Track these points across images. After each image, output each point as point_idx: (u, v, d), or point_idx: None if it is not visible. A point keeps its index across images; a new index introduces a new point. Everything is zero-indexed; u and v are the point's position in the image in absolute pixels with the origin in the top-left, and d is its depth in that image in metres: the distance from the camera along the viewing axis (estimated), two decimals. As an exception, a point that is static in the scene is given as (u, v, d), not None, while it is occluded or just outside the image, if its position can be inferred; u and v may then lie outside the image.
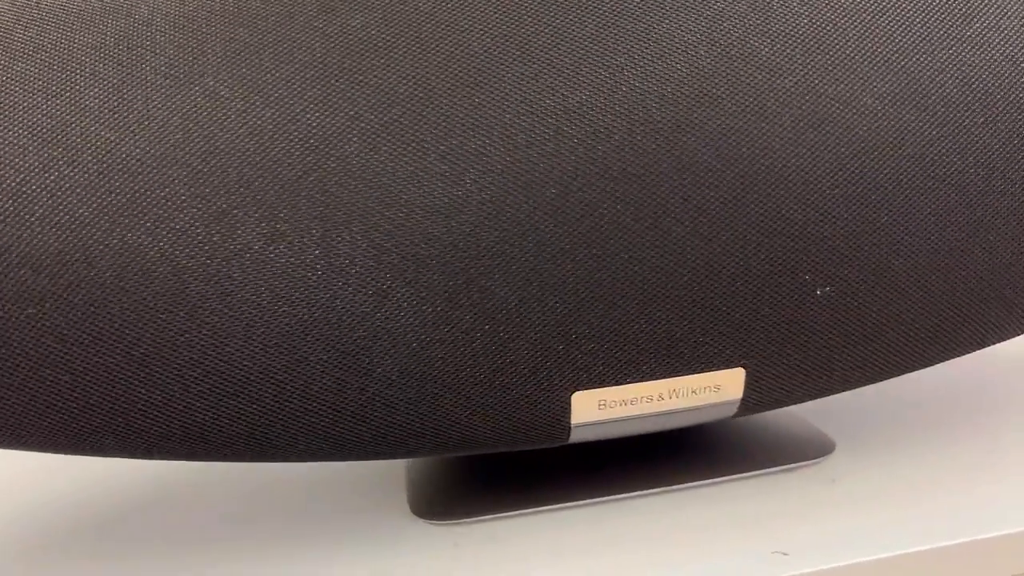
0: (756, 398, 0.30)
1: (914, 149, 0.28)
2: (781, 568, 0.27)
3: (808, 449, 0.35)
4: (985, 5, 0.28)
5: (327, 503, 0.34)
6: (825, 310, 0.28)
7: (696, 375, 0.29)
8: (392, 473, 0.36)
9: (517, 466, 0.35)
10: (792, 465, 0.34)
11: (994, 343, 0.31)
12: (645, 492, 0.32)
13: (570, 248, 0.26)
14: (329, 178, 0.25)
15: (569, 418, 0.28)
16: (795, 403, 0.31)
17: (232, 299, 0.25)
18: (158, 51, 0.25)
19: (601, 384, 0.28)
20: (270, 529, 0.32)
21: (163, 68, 0.25)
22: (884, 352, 0.29)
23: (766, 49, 0.27)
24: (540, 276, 0.26)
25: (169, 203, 0.24)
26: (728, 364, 0.29)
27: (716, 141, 0.26)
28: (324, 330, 0.25)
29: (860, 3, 0.28)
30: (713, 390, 0.29)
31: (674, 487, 0.33)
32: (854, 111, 0.27)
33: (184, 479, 0.37)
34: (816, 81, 0.27)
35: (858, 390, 0.33)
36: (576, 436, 0.29)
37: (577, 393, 0.28)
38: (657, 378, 0.28)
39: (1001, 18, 0.28)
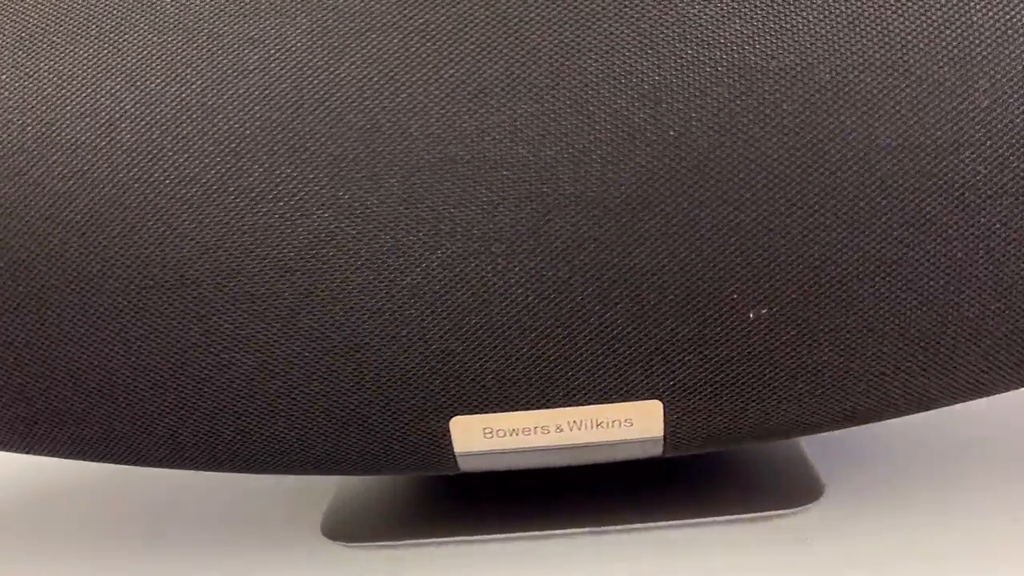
0: (684, 437, 0.25)
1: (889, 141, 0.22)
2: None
3: (790, 494, 0.29)
4: None
5: (237, 518, 0.32)
6: (761, 336, 0.23)
7: (599, 406, 0.24)
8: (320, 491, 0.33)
9: (466, 490, 0.31)
10: (763, 514, 0.28)
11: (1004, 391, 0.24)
12: (591, 529, 0.28)
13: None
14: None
15: (451, 446, 0.25)
16: (740, 445, 0.25)
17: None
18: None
19: (483, 410, 0.24)
20: (173, 546, 0.30)
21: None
22: (843, 390, 0.24)
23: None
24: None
25: None
26: (639, 395, 0.24)
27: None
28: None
29: None
30: (624, 424, 0.24)
31: (627, 526, 0.28)
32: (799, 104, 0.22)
33: (71, 487, 0.36)
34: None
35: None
36: (469, 465, 0.26)
37: (456, 418, 0.24)
38: (551, 407, 0.24)
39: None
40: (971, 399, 0.24)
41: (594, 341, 0.23)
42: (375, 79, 0.22)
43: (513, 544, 0.28)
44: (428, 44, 0.22)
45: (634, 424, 0.24)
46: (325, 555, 0.28)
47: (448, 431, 0.24)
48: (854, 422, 0.24)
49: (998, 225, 0.22)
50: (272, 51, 0.22)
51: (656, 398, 0.24)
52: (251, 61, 0.22)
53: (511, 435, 0.24)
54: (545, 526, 0.28)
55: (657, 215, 0.22)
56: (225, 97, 0.22)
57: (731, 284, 0.22)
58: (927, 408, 0.24)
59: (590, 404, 0.24)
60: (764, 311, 0.23)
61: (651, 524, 0.28)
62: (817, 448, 0.32)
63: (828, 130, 0.22)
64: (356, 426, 0.24)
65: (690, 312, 0.23)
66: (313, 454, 0.25)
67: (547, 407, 0.24)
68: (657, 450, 0.25)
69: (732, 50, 0.22)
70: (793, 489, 0.29)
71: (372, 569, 0.27)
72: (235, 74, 0.22)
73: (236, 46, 0.22)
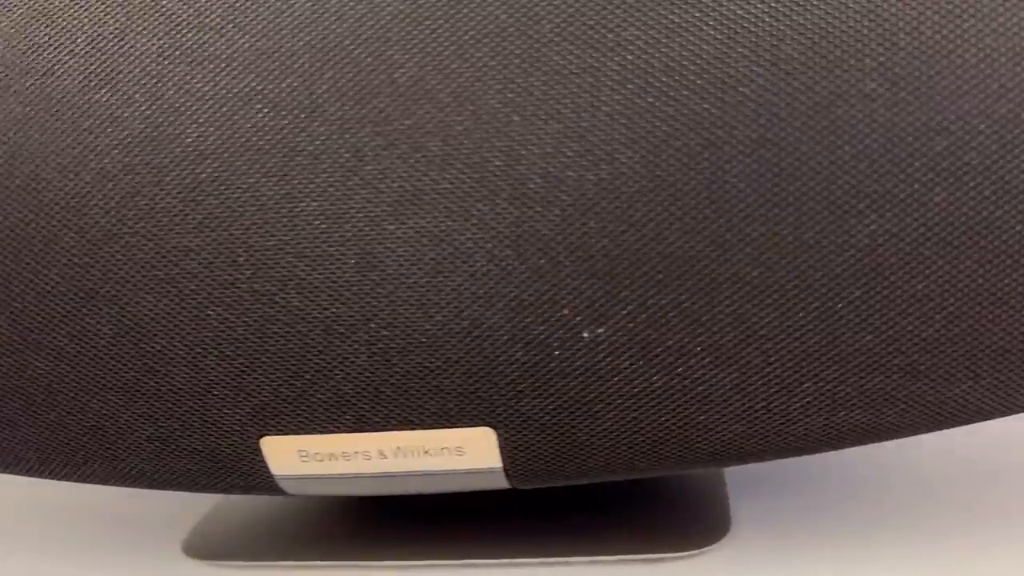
0: (527, 469, 0.21)
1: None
2: None
3: (693, 532, 0.25)
4: None
5: (91, 532, 0.30)
6: (593, 358, 0.19)
7: (423, 431, 0.21)
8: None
9: (353, 513, 0.29)
10: (657, 556, 0.25)
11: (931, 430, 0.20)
12: (468, 562, 0.25)
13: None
14: None
15: (267, 467, 0.22)
16: (596, 479, 0.22)
17: None
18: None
19: (294, 431, 0.21)
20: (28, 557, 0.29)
21: None
22: (702, 426, 0.20)
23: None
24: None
25: None
26: (468, 422, 0.21)
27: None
28: None
29: None
30: (455, 453, 0.21)
31: (505, 560, 0.25)
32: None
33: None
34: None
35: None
36: (294, 489, 0.23)
37: (266, 439, 0.21)
38: (368, 430, 0.21)
39: None
40: (828, 445, 0.20)
41: (413, 359, 0.20)
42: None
43: (381, 572, 0.25)
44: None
45: (466, 453, 0.21)
46: (179, 572, 0.26)
47: (260, 451, 0.22)
48: (720, 461, 0.21)
49: (865, 240, 0.18)
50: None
51: (487, 425, 0.21)
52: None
53: (329, 459, 0.22)
54: (422, 556, 0.25)
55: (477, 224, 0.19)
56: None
57: (563, 299, 0.19)
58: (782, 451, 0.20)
59: (412, 430, 0.21)
60: (601, 330, 0.19)
61: (535, 560, 0.25)
62: (734, 476, 0.28)
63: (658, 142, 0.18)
64: (161, 441, 0.22)
65: (517, 330, 0.19)
66: (122, 469, 0.23)
67: (364, 430, 0.21)
68: (502, 482, 0.22)
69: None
70: (697, 527, 0.26)
71: None
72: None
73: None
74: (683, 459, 0.20)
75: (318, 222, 0.19)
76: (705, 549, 0.25)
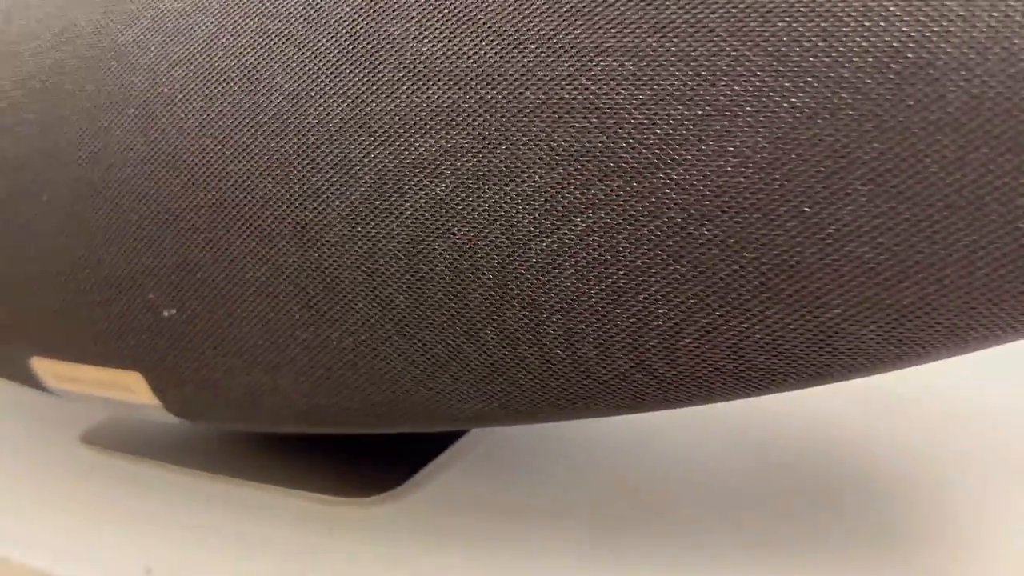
0: (183, 410, 0.28)
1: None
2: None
3: (365, 482, 0.31)
4: None
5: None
6: (170, 335, 0.26)
7: (103, 369, 0.29)
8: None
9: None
10: (326, 497, 0.30)
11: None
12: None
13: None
14: None
15: (43, 381, 0.31)
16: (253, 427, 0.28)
17: None
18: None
19: (44, 355, 0.30)
20: None
21: None
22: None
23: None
24: None
25: None
26: (121, 364, 0.28)
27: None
28: None
29: None
30: (125, 390, 0.29)
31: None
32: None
33: None
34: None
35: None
36: (75, 400, 0.32)
37: (35, 358, 0.31)
38: (79, 363, 0.29)
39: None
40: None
41: (85, 307, 0.28)
42: None
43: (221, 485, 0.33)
44: None
45: (132, 391, 0.29)
46: (73, 457, 0.36)
47: (31, 368, 0.31)
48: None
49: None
50: None
51: (135, 370, 0.28)
52: None
53: (69, 382, 0.30)
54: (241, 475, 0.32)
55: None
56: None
57: (150, 285, 0.26)
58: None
59: (96, 366, 0.29)
60: (173, 312, 0.26)
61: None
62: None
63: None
64: None
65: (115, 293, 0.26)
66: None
67: (79, 363, 0.29)
68: (170, 418, 0.29)
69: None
70: (372, 478, 0.31)
71: (114, 474, 0.34)
72: None
73: None
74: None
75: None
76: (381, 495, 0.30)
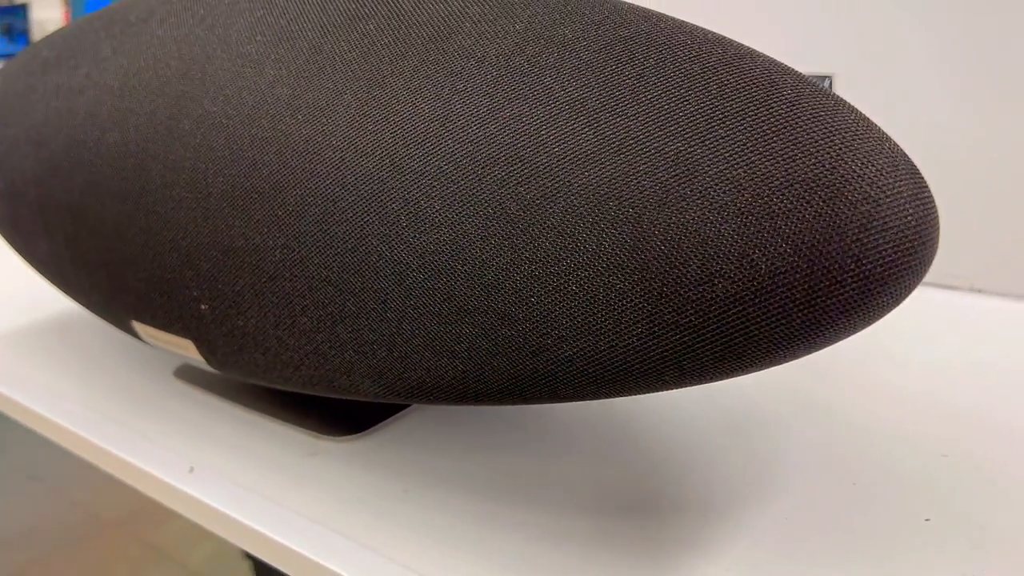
0: (221, 367, 0.42)
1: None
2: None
3: (341, 424, 0.44)
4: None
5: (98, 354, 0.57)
6: (212, 325, 0.40)
7: (167, 333, 0.43)
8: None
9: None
10: (315, 434, 0.44)
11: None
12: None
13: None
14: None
15: (141, 336, 0.46)
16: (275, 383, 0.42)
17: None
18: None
19: (138, 320, 0.45)
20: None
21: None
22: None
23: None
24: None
25: None
26: (180, 334, 0.42)
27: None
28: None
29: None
30: (186, 350, 0.43)
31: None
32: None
33: None
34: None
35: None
36: (161, 350, 0.47)
37: (133, 320, 0.46)
38: (157, 328, 0.44)
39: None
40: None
41: (156, 290, 0.42)
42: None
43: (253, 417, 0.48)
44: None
45: (188, 351, 0.43)
46: (166, 384, 0.52)
47: (134, 328, 0.46)
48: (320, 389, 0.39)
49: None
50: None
51: (188, 339, 0.42)
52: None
53: (154, 340, 0.45)
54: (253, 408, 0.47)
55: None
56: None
57: (192, 283, 0.39)
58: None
59: (167, 332, 0.43)
60: (206, 307, 0.39)
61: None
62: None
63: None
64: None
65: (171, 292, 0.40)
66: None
67: (164, 330, 0.44)
68: (213, 370, 0.43)
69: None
70: (348, 422, 0.44)
71: (185, 400, 0.50)
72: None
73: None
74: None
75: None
76: (348, 438, 0.43)
